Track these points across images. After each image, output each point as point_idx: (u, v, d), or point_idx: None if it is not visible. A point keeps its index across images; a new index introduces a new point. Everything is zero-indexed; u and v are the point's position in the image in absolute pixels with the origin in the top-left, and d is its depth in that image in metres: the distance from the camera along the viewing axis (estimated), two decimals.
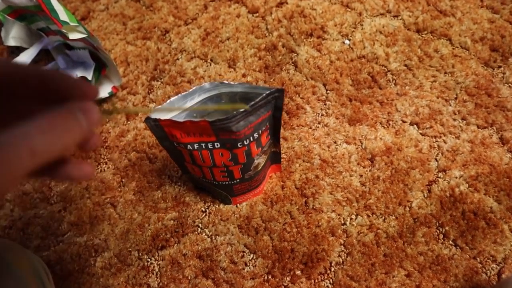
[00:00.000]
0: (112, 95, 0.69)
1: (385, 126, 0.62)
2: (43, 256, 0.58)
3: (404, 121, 0.62)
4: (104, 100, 0.70)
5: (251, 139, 0.43)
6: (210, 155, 0.45)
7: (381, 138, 0.61)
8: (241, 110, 0.38)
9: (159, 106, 0.39)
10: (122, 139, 0.66)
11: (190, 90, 0.42)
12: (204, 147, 0.44)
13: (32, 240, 0.59)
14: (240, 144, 0.43)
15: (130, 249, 0.56)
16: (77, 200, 0.62)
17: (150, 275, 0.54)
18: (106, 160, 0.65)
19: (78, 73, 0.66)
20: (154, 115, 0.41)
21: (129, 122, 0.67)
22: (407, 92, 0.64)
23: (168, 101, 0.41)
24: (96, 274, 0.55)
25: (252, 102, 0.39)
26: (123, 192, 0.61)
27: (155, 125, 0.41)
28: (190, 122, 0.39)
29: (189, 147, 0.44)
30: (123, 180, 0.62)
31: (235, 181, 0.51)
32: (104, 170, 0.64)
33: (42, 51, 0.71)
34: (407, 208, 0.55)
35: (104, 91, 0.69)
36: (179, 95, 0.42)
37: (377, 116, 0.63)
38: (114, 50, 0.75)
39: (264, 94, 0.40)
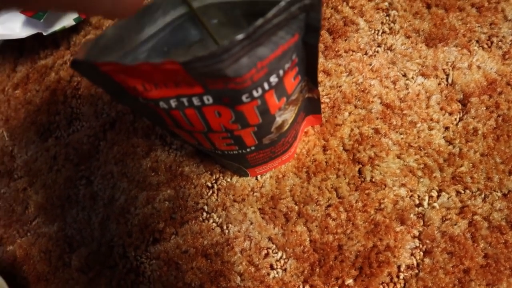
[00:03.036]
0: (80, 21, 0.53)
1: (486, 47, 0.42)
2: (8, 252, 0.48)
3: None
4: (71, 30, 0.54)
5: (266, 87, 0.27)
6: (200, 115, 0.29)
7: (479, 67, 0.42)
8: (239, 37, 0.21)
9: None
10: None
11: (147, 4, 0.25)
12: (187, 103, 0.28)
13: None
14: (247, 97, 0.27)
15: (113, 244, 0.44)
16: (44, 174, 0.50)
17: (141, 279, 0.42)
18: (79, 115, 0.51)
19: None
20: (88, 53, 0.25)
21: None
22: None
23: (103, 33, 0.24)
24: (71, 279, 0.44)
25: (260, 20, 0.22)
26: (101, 162, 0.48)
27: (93, 73, 0.25)
28: (148, 66, 0.23)
29: (162, 104, 0.28)
30: (101, 143, 0.49)
31: (248, 150, 0.35)
32: (77, 129, 0.51)
33: None
34: None
35: (69, 17, 0.53)
36: (129, 18, 0.25)
37: (473, 30, 0.43)
38: None
39: (283, 3, 0.22)
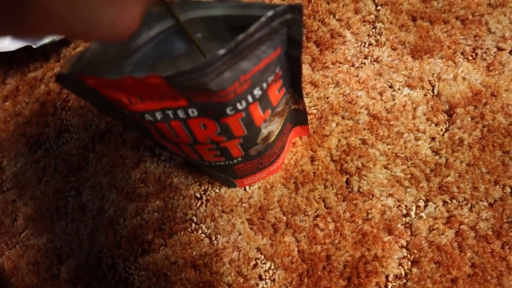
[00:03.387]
0: None
1: (471, 58, 0.43)
2: None
3: (501, 49, 0.43)
4: (61, 42, 0.55)
5: (250, 100, 0.27)
6: (186, 128, 0.29)
7: (464, 78, 0.42)
8: (221, 51, 0.22)
9: None
10: None
11: None
12: (172, 116, 0.28)
13: None
14: (231, 110, 0.27)
15: (102, 255, 0.44)
16: (34, 186, 0.50)
17: None
18: (69, 127, 0.51)
19: None
20: (73, 68, 0.25)
21: None
22: (507, 1, 0.44)
23: (87, 48, 0.25)
24: None
25: (242, 35, 0.22)
26: (90, 173, 0.48)
27: (79, 87, 0.26)
28: (132, 80, 0.24)
29: (148, 117, 0.28)
30: (90, 155, 0.49)
31: (235, 161, 0.36)
32: (67, 141, 0.51)
33: None
34: (509, 190, 0.38)
35: None
36: None
37: (457, 42, 0.44)
38: None
39: (264, 18, 0.23)
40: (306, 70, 0.45)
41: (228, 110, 0.27)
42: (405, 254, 0.38)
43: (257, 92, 0.27)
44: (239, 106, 0.27)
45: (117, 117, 0.31)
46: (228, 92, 0.25)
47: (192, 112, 0.27)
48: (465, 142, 0.40)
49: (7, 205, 0.50)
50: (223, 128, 0.29)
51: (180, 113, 0.28)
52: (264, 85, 0.27)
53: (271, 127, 0.33)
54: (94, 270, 0.44)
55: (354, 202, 0.40)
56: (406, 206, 0.39)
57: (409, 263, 0.38)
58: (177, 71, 0.22)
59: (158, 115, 0.28)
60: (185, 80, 0.23)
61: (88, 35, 0.17)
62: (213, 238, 0.42)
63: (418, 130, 0.41)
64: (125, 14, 0.17)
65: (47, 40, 0.50)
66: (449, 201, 0.39)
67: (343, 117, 0.43)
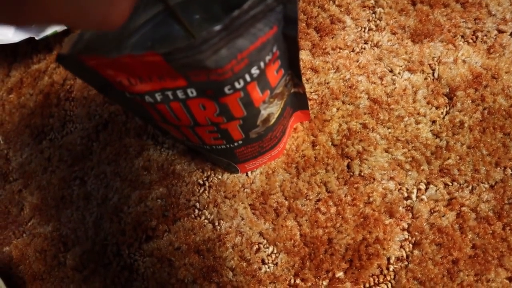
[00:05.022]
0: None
1: (471, 41, 0.43)
2: (4, 253, 0.48)
3: (501, 31, 0.43)
4: (64, 34, 0.55)
5: (248, 79, 0.28)
6: (185, 109, 0.30)
7: (464, 61, 0.42)
8: (217, 27, 0.22)
9: None
10: (91, 87, 0.52)
11: None
12: (171, 97, 0.28)
13: None
14: (229, 89, 0.27)
15: (107, 242, 0.45)
16: (39, 176, 0.50)
17: (135, 276, 0.42)
18: (72, 117, 0.52)
19: None
20: (73, 48, 0.25)
21: None
22: None
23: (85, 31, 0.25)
24: (66, 277, 0.44)
25: (237, 11, 0.22)
26: (94, 163, 0.48)
27: (79, 68, 0.26)
28: (130, 58, 0.24)
29: (148, 98, 0.29)
30: (94, 144, 0.50)
31: (235, 144, 0.36)
32: (71, 131, 0.52)
33: None
34: (510, 172, 0.38)
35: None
36: None
37: (457, 25, 0.44)
38: None
39: None
40: (306, 56, 0.45)
41: (226, 89, 0.27)
42: (407, 237, 0.38)
43: (254, 71, 0.27)
44: (237, 85, 0.27)
45: (118, 99, 0.31)
46: (226, 70, 0.25)
47: (191, 92, 0.28)
48: (466, 125, 0.40)
49: (14, 195, 0.51)
50: (222, 109, 0.30)
51: (180, 94, 0.28)
52: (262, 64, 0.27)
53: (271, 109, 0.33)
54: (100, 257, 0.44)
55: (356, 185, 0.40)
56: (407, 189, 0.39)
57: (411, 245, 0.38)
58: (174, 47, 0.22)
59: (158, 96, 0.29)
60: (182, 57, 0.23)
61: (81, 24, 0.17)
62: (216, 223, 0.42)
63: (418, 113, 0.41)
64: (115, 5, 0.17)
65: (49, 32, 0.51)
66: (450, 184, 0.39)
67: (343, 102, 0.43)
